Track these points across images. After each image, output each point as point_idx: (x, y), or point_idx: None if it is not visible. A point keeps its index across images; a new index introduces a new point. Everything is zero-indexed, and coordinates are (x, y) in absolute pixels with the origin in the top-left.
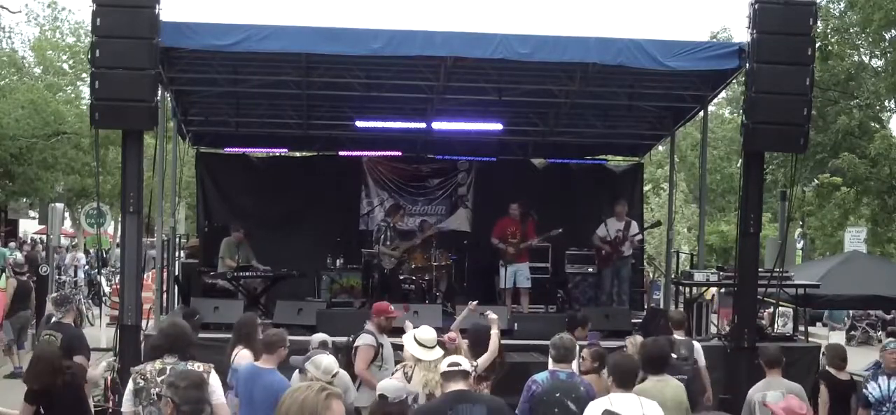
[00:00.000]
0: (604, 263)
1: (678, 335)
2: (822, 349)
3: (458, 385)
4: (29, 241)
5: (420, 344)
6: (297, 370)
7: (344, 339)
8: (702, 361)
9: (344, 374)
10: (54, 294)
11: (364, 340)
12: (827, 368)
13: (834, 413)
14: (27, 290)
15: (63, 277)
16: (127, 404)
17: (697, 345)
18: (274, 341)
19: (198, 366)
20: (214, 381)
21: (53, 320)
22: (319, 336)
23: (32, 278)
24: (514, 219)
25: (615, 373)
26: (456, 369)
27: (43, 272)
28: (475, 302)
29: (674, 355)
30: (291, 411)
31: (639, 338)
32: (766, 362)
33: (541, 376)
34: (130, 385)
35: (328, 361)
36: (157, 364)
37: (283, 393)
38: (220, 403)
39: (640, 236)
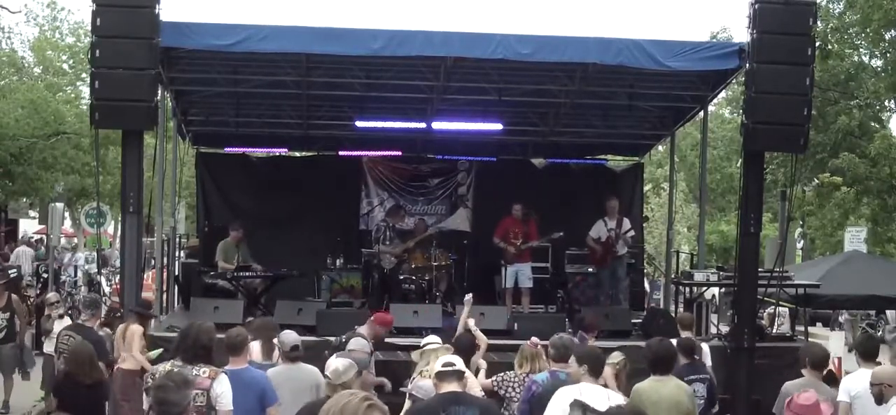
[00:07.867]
0: (599, 263)
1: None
2: None
3: (451, 386)
4: (32, 241)
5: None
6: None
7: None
8: (708, 362)
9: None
10: (83, 295)
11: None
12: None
13: None
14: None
15: (63, 277)
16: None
17: (705, 346)
18: (238, 343)
19: (204, 370)
20: (219, 386)
21: (77, 321)
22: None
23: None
24: (516, 219)
25: (587, 362)
26: (450, 369)
27: (42, 273)
28: (470, 295)
29: (695, 357)
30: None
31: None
32: (812, 362)
33: (540, 377)
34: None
35: (342, 363)
36: (167, 365)
37: (263, 382)
38: (225, 410)
39: (632, 233)
